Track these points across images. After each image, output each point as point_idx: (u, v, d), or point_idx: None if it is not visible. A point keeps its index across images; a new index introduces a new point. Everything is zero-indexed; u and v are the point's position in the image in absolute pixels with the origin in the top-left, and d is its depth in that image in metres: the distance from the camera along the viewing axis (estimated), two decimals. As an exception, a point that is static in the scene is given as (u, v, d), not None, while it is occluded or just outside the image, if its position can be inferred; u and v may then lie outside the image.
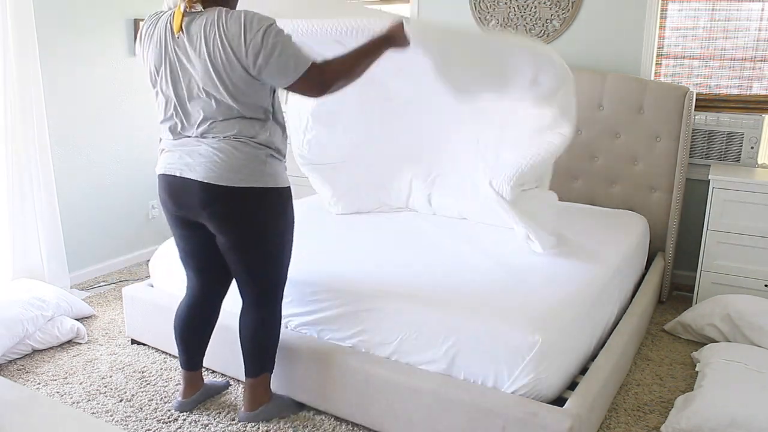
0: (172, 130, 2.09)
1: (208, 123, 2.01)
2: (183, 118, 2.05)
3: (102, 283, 3.67)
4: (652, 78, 3.54)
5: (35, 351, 2.85)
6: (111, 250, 3.85)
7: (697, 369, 2.65)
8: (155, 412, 2.39)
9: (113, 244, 3.86)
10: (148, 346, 2.90)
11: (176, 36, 1.97)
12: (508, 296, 2.22)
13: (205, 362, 2.59)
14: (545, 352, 1.97)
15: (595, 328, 2.37)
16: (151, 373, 2.68)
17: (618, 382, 2.51)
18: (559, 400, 2.02)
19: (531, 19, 3.76)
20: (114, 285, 3.63)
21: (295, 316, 2.43)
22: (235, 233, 2.07)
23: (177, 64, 2.00)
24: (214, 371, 2.67)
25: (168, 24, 1.99)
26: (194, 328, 2.36)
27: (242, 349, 2.26)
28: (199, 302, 2.34)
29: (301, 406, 2.38)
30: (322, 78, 1.97)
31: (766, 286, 3.11)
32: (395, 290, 2.30)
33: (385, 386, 2.18)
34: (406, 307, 2.22)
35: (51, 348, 2.89)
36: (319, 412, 2.40)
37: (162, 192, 2.13)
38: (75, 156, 3.56)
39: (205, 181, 1.99)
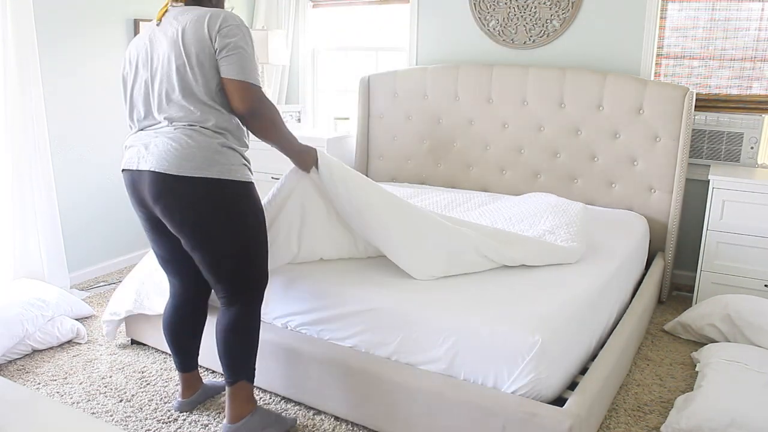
0: (134, 121, 2.12)
1: (166, 112, 2.00)
2: (143, 107, 2.06)
3: (102, 283, 3.67)
4: (652, 78, 3.54)
5: (35, 351, 2.85)
6: (111, 250, 3.85)
7: (697, 369, 2.65)
8: (155, 412, 2.39)
9: (113, 244, 3.86)
10: (148, 346, 2.90)
11: (156, 25, 2.04)
12: (508, 296, 2.22)
13: (203, 362, 2.59)
14: (545, 352, 1.97)
15: (595, 328, 2.37)
16: (151, 373, 2.68)
17: (618, 382, 2.51)
18: (559, 400, 2.02)
19: (531, 19, 3.76)
20: (114, 285, 3.63)
21: (295, 315, 2.43)
22: (186, 229, 1.99)
23: (149, 52, 2.03)
24: (213, 371, 2.67)
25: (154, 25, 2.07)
26: (183, 331, 2.32)
27: (218, 353, 2.19)
28: (184, 305, 2.30)
29: (293, 422, 2.30)
30: (258, 101, 1.99)
31: (766, 286, 3.11)
32: (395, 290, 2.30)
33: (385, 386, 2.18)
34: (406, 307, 2.22)
35: (51, 348, 2.89)
36: (319, 412, 2.40)
37: (126, 189, 2.12)
38: (75, 156, 3.56)
39: (156, 170, 1.95)
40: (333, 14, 4.63)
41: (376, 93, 4.16)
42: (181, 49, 1.95)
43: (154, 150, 1.97)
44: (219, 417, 2.37)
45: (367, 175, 4.29)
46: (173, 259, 2.21)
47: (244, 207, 2.02)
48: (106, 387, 2.57)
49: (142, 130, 2.09)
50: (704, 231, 3.20)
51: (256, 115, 1.99)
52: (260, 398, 2.49)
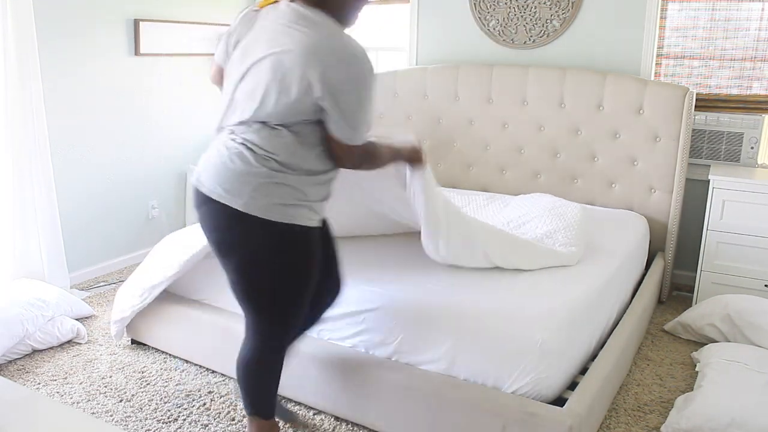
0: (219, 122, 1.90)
1: (239, 120, 1.79)
2: (226, 108, 1.85)
3: (102, 283, 3.66)
4: (652, 78, 3.54)
5: (35, 351, 2.85)
6: (111, 250, 3.85)
7: (697, 369, 2.65)
8: (155, 412, 2.39)
9: (113, 244, 3.86)
10: (148, 346, 2.90)
11: (257, 10, 1.82)
12: (508, 296, 2.22)
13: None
14: (545, 352, 1.97)
15: (595, 328, 2.37)
16: (151, 373, 2.68)
17: (618, 382, 2.51)
18: (559, 400, 2.02)
19: (531, 19, 3.76)
20: (114, 285, 3.63)
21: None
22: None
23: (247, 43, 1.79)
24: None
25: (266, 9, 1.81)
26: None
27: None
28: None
29: None
30: (360, 158, 1.81)
31: (766, 286, 3.11)
32: (395, 290, 2.30)
33: (385, 386, 2.18)
34: (406, 307, 2.22)
35: (51, 348, 2.89)
36: (319, 412, 2.40)
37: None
38: (75, 156, 3.55)
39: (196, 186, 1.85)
40: (333, 14, 4.62)
41: (376, 93, 4.15)
42: (273, 71, 1.73)
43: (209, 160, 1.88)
44: (219, 417, 2.37)
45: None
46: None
47: (289, 251, 1.83)
48: (106, 387, 2.57)
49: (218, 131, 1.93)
50: (704, 231, 3.20)
51: (356, 168, 1.88)
52: (260, 398, 2.49)
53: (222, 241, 1.84)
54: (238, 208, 1.73)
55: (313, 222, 1.82)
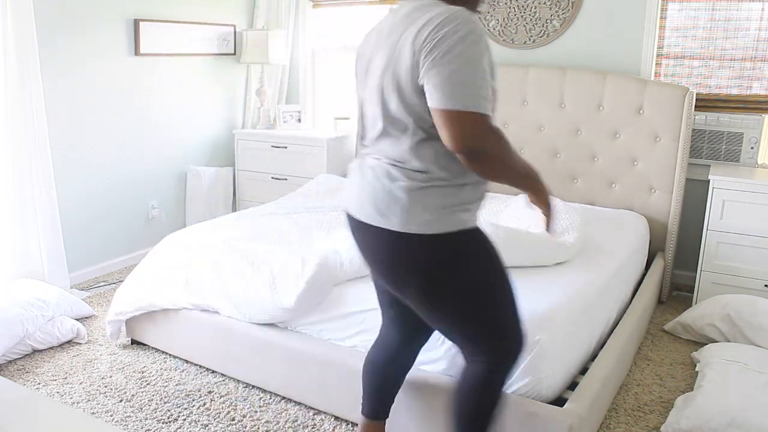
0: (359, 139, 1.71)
1: (375, 136, 1.62)
2: (363, 124, 1.67)
3: (102, 283, 3.66)
4: (652, 78, 3.54)
5: (35, 351, 2.85)
6: (111, 250, 3.85)
7: (697, 369, 2.65)
8: (155, 412, 2.39)
9: (113, 244, 3.86)
10: (148, 346, 2.90)
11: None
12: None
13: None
14: (545, 352, 1.97)
15: (595, 328, 2.37)
16: (151, 373, 2.68)
17: (618, 382, 2.51)
18: (559, 400, 2.02)
19: (531, 19, 3.76)
20: (114, 285, 3.63)
21: (295, 316, 2.43)
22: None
23: (373, 53, 1.62)
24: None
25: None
26: (389, 377, 1.96)
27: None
28: (395, 348, 1.93)
29: None
30: (483, 135, 1.46)
31: (766, 286, 3.11)
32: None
33: (385, 386, 2.18)
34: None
35: (51, 348, 2.89)
36: (319, 412, 2.40)
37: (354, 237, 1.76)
38: (75, 156, 3.56)
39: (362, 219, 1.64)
40: (333, 14, 4.63)
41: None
42: (391, 64, 1.56)
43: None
44: (219, 417, 2.37)
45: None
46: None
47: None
48: (106, 387, 2.57)
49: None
50: (704, 231, 3.20)
51: (478, 151, 1.48)
52: (260, 398, 2.50)
53: (432, 277, 1.60)
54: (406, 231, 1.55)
55: (474, 222, 1.62)
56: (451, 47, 1.44)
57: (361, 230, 1.66)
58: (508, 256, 2.45)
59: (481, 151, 1.47)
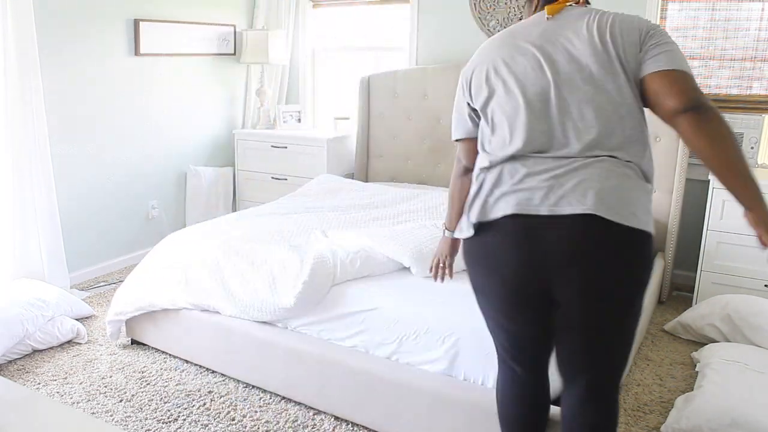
0: (526, 149, 1.53)
1: (597, 132, 1.49)
2: (550, 129, 1.52)
3: (102, 283, 3.66)
4: (652, 78, 3.53)
5: (35, 351, 2.85)
6: (111, 250, 3.85)
7: (697, 369, 2.65)
8: (155, 412, 2.39)
9: (113, 244, 3.86)
10: (148, 346, 2.90)
11: (547, 18, 1.59)
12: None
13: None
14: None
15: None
16: (151, 373, 2.68)
17: (618, 382, 2.51)
18: (559, 400, 2.02)
19: (531, 19, 3.76)
20: (114, 285, 3.63)
21: (295, 315, 2.43)
22: (614, 295, 1.47)
23: (539, 58, 1.54)
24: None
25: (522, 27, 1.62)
26: (530, 424, 1.77)
27: None
28: (531, 396, 1.74)
29: None
30: (700, 94, 1.43)
31: (766, 286, 3.11)
32: (395, 290, 2.30)
33: (385, 386, 2.18)
34: (406, 307, 2.22)
35: (51, 348, 2.89)
36: (319, 412, 2.40)
37: (502, 245, 1.52)
38: (75, 156, 3.55)
39: (599, 214, 1.42)
40: (333, 14, 4.63)
41: (376, 93, 4.15)
42: (611, 60, 1.51)
43: (593, 185, 1.45)
44: (219, 417, 2.37)
45: (367, 175, 4.29)
46: (535, 343, 1.65)
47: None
48: (106, 387, 2.57)
49: (541, 159, 1.52)
50: (704, 231, 3.20)
51: (701, 106, 1.42)
52: (260, 398, 2.50)
53: (644, 282, 1.50)
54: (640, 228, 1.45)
55: None
56: (663, 39, 1.50)
57: (594, 229, 1.44)
58: None
59: (708, 105, 1.41)
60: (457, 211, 1.79)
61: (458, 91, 1.74)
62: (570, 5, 1.61)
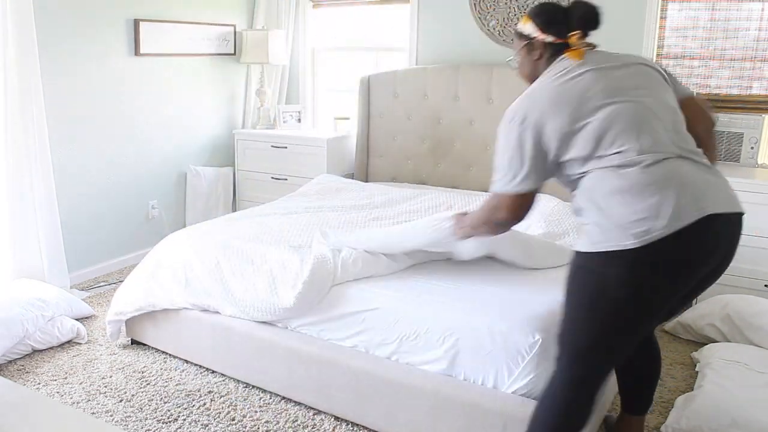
0: (645, 150, 1.63)
1: (677, 133, 1.70)
2: (649, 133, 1.66)
3: (102, 283, 3.66)
4: (652, 78, 3.53)
5: (35, 351, 2.85)
6: (111, 250, 3.85)
7: (697, 369, 2.65)
8: (155, 412, 2.39)
9: (113, 244, 3.86)
10: (148, 346, 2.90)
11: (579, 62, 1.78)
12: (508, 296, 2.22)
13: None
14: (545, 352, 1.97)
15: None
16: (151, 373, 2.68)
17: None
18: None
19: (531, 19, 3.76)
20: (114, 285, 3.63)
21: (295, 315, 2.43)
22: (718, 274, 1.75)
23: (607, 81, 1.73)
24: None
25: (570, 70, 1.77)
26: (648, 374, 2.09)
27: None
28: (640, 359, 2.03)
29: None
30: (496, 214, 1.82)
31: (766, 286, 3.11)
32: (395, 290, 2.30)
33: (385, 386, 2.18)
34: (406, 307, 2.22)
35: (51, 348, 2.89)
36: (319, 412, 2.40)
37: (700, 242, 1.60)
38: (75, 156, 3.56)
39: (737, 211, 1.69)
40: (333, 14, 4.63)
41: (376, 93, 4.15)
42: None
43: (719, 183, 1.68)
44: (219, 417, 2.37)
45: (367, 175, 4.29)
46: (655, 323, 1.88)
47: None
48: (106, 387, 2.57)
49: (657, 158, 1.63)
50: (704, 231, 3.20)
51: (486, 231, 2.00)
52: (260, 398, 2.50)
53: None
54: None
55: None
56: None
57: (728, 224, 1.67)
58: (514, 257, 2.46)
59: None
60: None
61: (520, 147, 1.77)
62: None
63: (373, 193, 3.46)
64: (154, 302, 2.71)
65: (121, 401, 2.47)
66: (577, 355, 1.72)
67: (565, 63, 1.79)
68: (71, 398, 2.49)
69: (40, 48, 3.20)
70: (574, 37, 1.82)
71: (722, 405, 2.19)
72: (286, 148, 4.28)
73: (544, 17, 1.88)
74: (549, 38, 1.84)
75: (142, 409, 2.42)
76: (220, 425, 2.32)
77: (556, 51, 1.83)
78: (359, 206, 3.25)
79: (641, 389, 2.12)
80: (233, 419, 2.35)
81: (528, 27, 1.88)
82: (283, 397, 2.49)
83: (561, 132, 1.68)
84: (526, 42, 1.89)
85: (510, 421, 1.96)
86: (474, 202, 3.41)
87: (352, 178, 4.19)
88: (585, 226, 1.73)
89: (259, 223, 2.90)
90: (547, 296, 2.22)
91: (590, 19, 1.89)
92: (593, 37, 1.96)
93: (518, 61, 1.94)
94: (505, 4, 3.82)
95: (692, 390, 2.48)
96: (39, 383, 2.60)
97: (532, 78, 1.89)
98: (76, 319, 3.10)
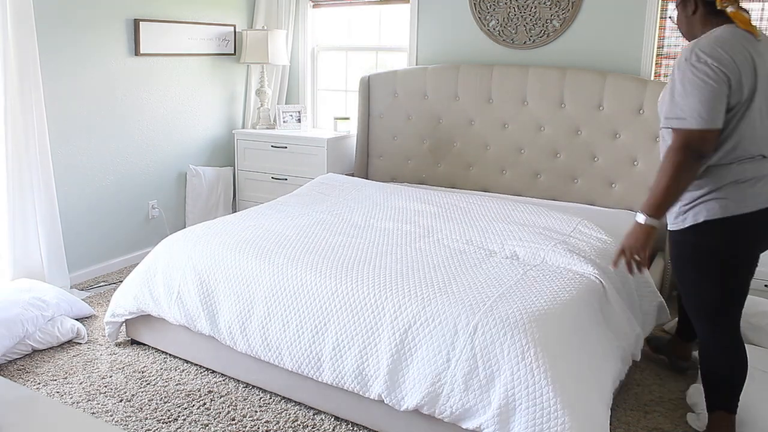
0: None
1: None
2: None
3: (102, 283, 3.66)
4: (652, 78, 3.53)
5: (35, 351, 2.85)
6: (111, 250, 3.85)
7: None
8: (155, 412, 2.39)
9: (113, 244, 3.86)
10: (148, 346, 2.90)
11: (758, 40, 1.95)
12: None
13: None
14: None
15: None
16: (151, 373, 2.68)
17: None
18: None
19: (531, 19, 3.76)
20: (114, 285, 3.63)
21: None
22: None
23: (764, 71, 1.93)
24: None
25: (744, 37, 1.92)
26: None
27: None
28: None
29: None
30: (688, 150, 1.88)
31: (766, 286, 3.11)
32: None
33: (385, 386, 2.18)
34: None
35: (51, 348, 2.89)
36: (319, 412, 2.40)
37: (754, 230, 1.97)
38: (75, 156, 3.56)
39: None
40: (333, 14, 4.63)
41: (376, 93, 4.16)
42: None
43: None
44: (219, 417, 2.37)
45: (367, 175, 4.29)
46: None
47: None
48: (106, 387, 2.57)
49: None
50: (704, 231, 3.20)
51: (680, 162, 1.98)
52: (260, 398, 2.50)
53: None
54: None
55: None
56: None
57: None
58: None
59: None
60: (676, 200, 1.98)
61: (710, 80, 1.85)
62: None
63: (372, 193, 3.45)
64: (145, 309, 2.72)
65: (121, 401, 2.47)
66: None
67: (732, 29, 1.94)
68: (71, 398, 2.49)
69: (40, 48, 3.19)
70: None
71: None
72: (286, 148, 4.28)
73: None
74: None
75: (142, 409, 2.42)
76: (220, 425, 2.32)
77: (709, 8, 1.97)
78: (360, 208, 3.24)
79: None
80: (233, 419, 2.35)
81: None
82: (283, 397, 2.49)
83: None
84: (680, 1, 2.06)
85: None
86: (473, 202, 3.40)
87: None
88: None
89: (260, 223, 2.89)
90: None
91: None
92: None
93: (676, 18, 2.10)
94: (505, 4, 3.82)
95: (692, 388, 2.48)
96: (39, 383, 2.60)
97: (689, 35, 2.06)
98: (76, 319, 3.10)
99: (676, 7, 2.08)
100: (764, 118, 1.95)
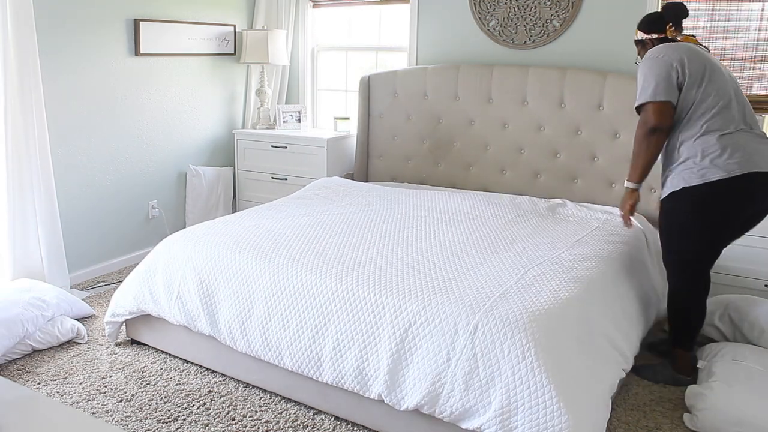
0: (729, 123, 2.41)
1: (747, 114, 2.46)
2: (735, 111, 2.42)
3: (102, 283, 3.66)
4: (652, 78, 3.53)
5: (35, 351, 2.85)
6: (111, 250, 3.85)
7: (699, 366, 2.65)
8: (155, 412, 2.39)
9: (113, 244, 3.86)
10: (148, 346, 2.90)
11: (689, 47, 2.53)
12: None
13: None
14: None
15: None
16: (151, 373, 2.68)
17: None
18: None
19: (531, 19, 3.76)
20: (114, 285, 3.63)
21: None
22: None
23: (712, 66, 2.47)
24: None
25: (687, 44, 2.53)
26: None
27: None
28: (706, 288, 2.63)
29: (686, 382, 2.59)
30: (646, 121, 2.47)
31: (766, 286, 3.11)
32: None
33: (385, 386, 2.18)
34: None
35: (51, 348, 2.89)
36: (319, 411, 2.40)
37: (748, 190, 2.37)
38: (75, 156, 3.56)
39: None
40: (333, 14, 4.63)
41: (376, 93, 4.15)
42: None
43: None
44: (219, 417, 2.37)
45: (367, 175, 4.29)
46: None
47: None
48: (106, 387, 2.57)
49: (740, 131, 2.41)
50: (704, 231, 3.20)
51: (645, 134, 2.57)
52: (260, 398, 2.50)
53: None
54: None
55: None
56: None
57: None
58: None
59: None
60: (650, 167, 2.55)
61: (665, 67, 2.43)
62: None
63: (370, 193, 3.45)
64: (145, 309, 2.72)
65: (121, 401, 2.47)
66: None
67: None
68: (71, 398, 2.49)
69: (40, 48, 3.20)
70: (670, 29, 2.56)
71: (728, 404, 2.21)
72: (286, 148, 4.28)
73: (645, 22, 2.65)
74: (653, 35, 2.60)
75: (142, 408, 2.42)
76: (220, 425, 2.32)
77: (662, 40, 2.59)
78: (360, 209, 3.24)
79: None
80: (233, 419, 2.35)
81: (638, 34, 2.66)
82: (283, 397, 2.49)
83: None
84: (640, 45, 2.67)
85: (510, 421, 1.96)
86: (474, 201, 3.41)
87: (352, 179, 4.19)
88: None
89: (259, 224, 2.89)
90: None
91: (678, 12, 2.57)
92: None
93: (641, 61, 2.57)
94: (505, 4, 3.82)
95: (694, 388, 2.48)
96: (39, 383, 2.60)
97: None
98: (76, 319, 3.10)
99: (638, 53, 2.68)
100: (731, 96, 2.45)
